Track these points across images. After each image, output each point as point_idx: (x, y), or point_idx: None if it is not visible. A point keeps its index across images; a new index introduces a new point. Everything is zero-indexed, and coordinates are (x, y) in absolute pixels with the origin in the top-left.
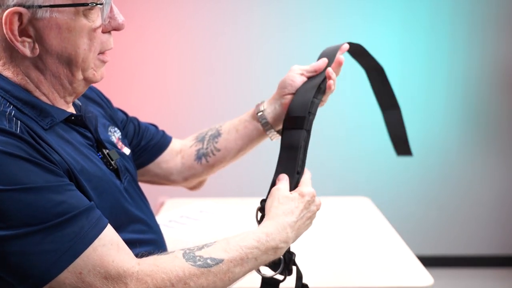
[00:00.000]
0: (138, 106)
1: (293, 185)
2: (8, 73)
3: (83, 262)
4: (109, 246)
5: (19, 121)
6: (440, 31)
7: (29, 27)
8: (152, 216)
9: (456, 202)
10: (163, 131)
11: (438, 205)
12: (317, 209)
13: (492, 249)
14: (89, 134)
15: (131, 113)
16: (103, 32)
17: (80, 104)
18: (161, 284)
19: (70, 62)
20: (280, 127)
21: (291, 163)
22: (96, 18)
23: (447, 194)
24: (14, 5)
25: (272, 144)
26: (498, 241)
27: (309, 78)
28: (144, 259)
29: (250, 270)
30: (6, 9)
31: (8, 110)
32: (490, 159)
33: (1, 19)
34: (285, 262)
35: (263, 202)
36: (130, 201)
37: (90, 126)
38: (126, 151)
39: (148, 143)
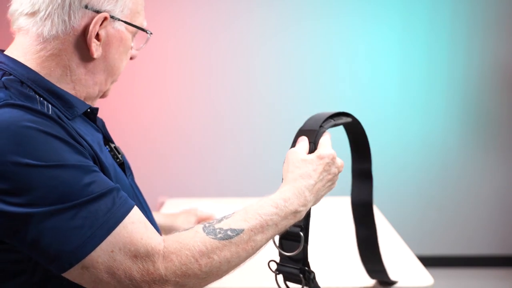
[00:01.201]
0: (138, 106)
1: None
2: (50, 64)
3: (115, 239)
4: (138, 224)
5: (50, 105)
6: (440, 31)
7: (103, 32)
8: (151, 215)
9: (456, 202)
10: None
11: (438, 205)
12: (339, 171)
13: (492, 249)
14: (97, 129)
15: (130, 114)
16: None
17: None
18: (186, 261)
19: (111, 72)
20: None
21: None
22: (133, 42)
23: (447, 194)
24: (105, 11)
25: (272, 144)
26: (498, 241)
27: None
28: (168, 236)
29: (272, 237)
30: (98, 12)
31: (38, 97)
32: (490, 159)
33: (92, 19)
34: (305, 280)
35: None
36: (134, 198)
37: (98, 123)
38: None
39: None
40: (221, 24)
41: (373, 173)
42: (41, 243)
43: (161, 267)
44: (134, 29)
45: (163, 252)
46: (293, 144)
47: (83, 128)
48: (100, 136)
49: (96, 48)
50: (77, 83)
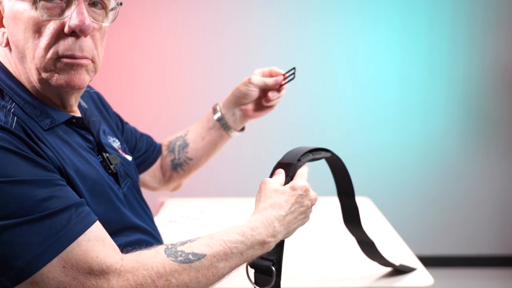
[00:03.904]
0: (138, 106)
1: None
2: (10, 67)
3: (67, 257)
4: (94, 242)
5: (15, 117)
6: (440, 31)
7: (3, 17)
8: (151, 223)
9: (456, 202)
10: (158, 145)
11: (438, 205)
12: (312, 204)
13: (492, 249)
14: (90, 137)
15: (130, 114)
16: (67, 33)
17: (86, 107)
18: (142, 280)
19: (24, 57)
20: (242, 125)
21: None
22: (47, 12)
23: (447, 194)
24: None
25: (271, 145)
26: (498, 241)
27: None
28: (128, 254)
29: (237, 266)
30: None
31: (9, 106)
32: (490, 159)
33: None
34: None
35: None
36: (128, 207)
37: (93, 130)
38: (128, 157)
39: (141, 155)
40: (221, 24)
41: (374, 173)
42: None
43: (116, 285)
44: None
45: (119, 270)
46: (271, 176)
47: (61, 138)
48: (87, 144)
49: (5, 37)
50: (24, 80)
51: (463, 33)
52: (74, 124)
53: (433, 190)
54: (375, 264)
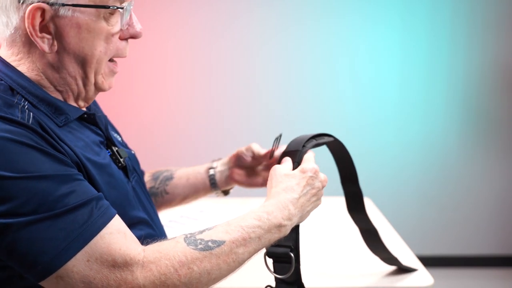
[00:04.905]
0: (138, 106)
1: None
2: (23, 68)
3: (91, 250)
4: (116, 235)
5: (31, 113)
6: (440, 31)
7: (50, 24)
8: (157, 218)
9: (456, 202)
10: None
11: (438, 205)
12: (323, 185)
13: (492, 249)
14: (99, 132)
15: (130, 114)
16: (121, 38)
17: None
18: (165, 270)
19: (85, 63)
20: (226, 186)
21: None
22: (115, 23)
23: (447, 194)
24: (38, 1)
25: (272, 144)
26: (498, 241)
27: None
28: (148, 246)
29: (255, 251)
30: (30, 4)
31: (22, 103)
32: (490, 159)
33: (25, 13)
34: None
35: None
36: (137, 200)
37: (101, 125)
38: (132, 151)
39: None
40: (221, 24)
41: (374, 173)
42: (17, 253)
43: (140, 276)
44: (102, 9)
45: (142, 261)
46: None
47: (74, 134)
48: (99, 138)
49: (49, 43)
50: (55, 84)
51: (463, 33)
52: (85, 119)
53: (433, 190)
54: (376, 264)
